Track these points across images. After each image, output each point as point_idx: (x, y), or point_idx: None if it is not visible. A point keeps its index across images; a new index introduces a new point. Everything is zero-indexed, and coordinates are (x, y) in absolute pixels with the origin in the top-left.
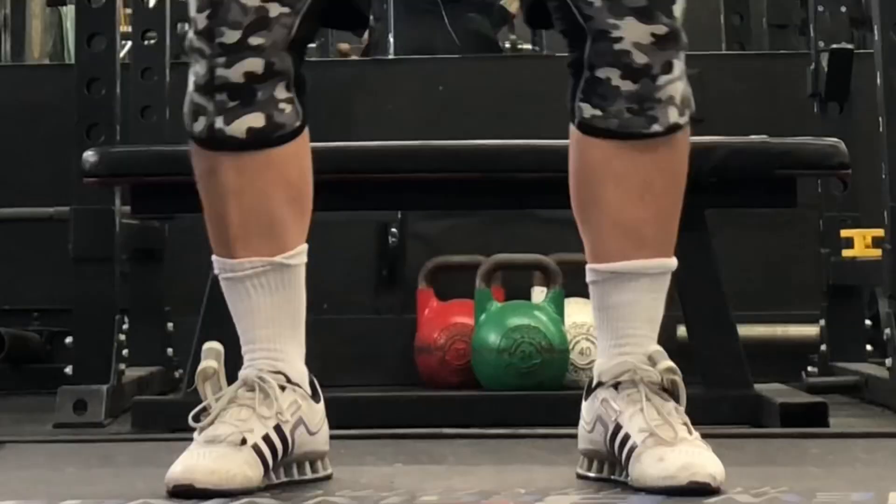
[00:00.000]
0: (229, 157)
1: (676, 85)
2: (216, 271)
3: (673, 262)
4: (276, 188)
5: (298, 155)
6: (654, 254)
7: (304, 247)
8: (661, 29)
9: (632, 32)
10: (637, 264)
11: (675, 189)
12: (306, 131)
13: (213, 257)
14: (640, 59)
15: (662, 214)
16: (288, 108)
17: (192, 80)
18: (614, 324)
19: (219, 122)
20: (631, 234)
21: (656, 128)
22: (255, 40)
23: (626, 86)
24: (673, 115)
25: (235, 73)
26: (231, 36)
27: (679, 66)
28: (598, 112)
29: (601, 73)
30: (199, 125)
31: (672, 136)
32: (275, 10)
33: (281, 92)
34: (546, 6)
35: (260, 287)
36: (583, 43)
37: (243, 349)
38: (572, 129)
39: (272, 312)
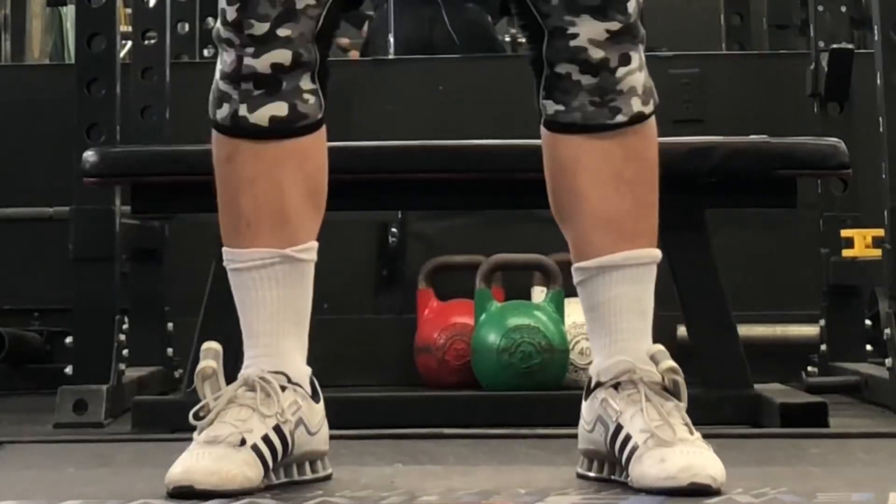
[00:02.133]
0: (249, 144)
1: (637, 76)
2: (224, 262)
3: (657, 252)
4: (293, 180)
5: (316, 148)
6: (637, 245)
7: (316, 244)
8: (615, 25)
9: (587, 30)
10: (621, 255)
11: (649, 178)
12: (324, 127)
13: (223, 248)
14: (596, 53)
15: (640, 204)
16: (312, 98)
17: (219, 68)
18: (607, 320)
19: (242, 110)
20: (612, 226)
21: (620, 118)
22: (283, 32)
23: (587, 80)
24: (636, 105)
25: (263, 64)
26: (260, 28)
27: (637, 57)
28: (560, 107)
29: (560, 68)
30: (223, 112)
31: (639, 126)
32: (301, 1)
33: (306, 83)
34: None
35: (267, 279)
36: (541, 40)
37: (245, 343)
38: (542, 130)
39: (277, 307)
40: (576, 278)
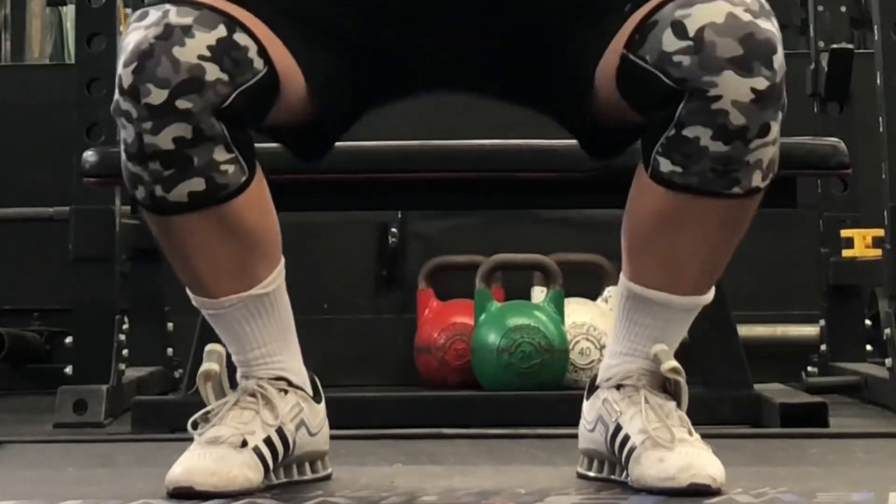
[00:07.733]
0: (179, 218)
1: (768, 149)
2: (196, 305)
3: (707, 298)
4: (235, 239)
5: (252, 204)
6: (693, 292)
7: (280, 266)
8: (761, 83)
9: (731, 90)
10: (672, 299)
11: (734, 242)
12: (259, 175)
13: (189, 294)
14: (737, 120)
15: (713, 261)
16: (230, 168)
17: (122, 146)
18: (632, 336)
19: (159, 191)
20: (676, 272)
21: (736, 190)
22: (183, 104)
23: (716, 147)
24: (756, 179)
25: (164, 140)
26: (158, 95)
27: (775, 129)
28: (678, 169)
29: (690, 131)
30: (140, 193)
31: (748, 199)
32: (212, 73)
33: (220, 154)
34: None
35: (241, 317)
36: (672, 105)
37: (236, 361)
38: (642, 172)
39: (260, 335)
40: (620, 286)
